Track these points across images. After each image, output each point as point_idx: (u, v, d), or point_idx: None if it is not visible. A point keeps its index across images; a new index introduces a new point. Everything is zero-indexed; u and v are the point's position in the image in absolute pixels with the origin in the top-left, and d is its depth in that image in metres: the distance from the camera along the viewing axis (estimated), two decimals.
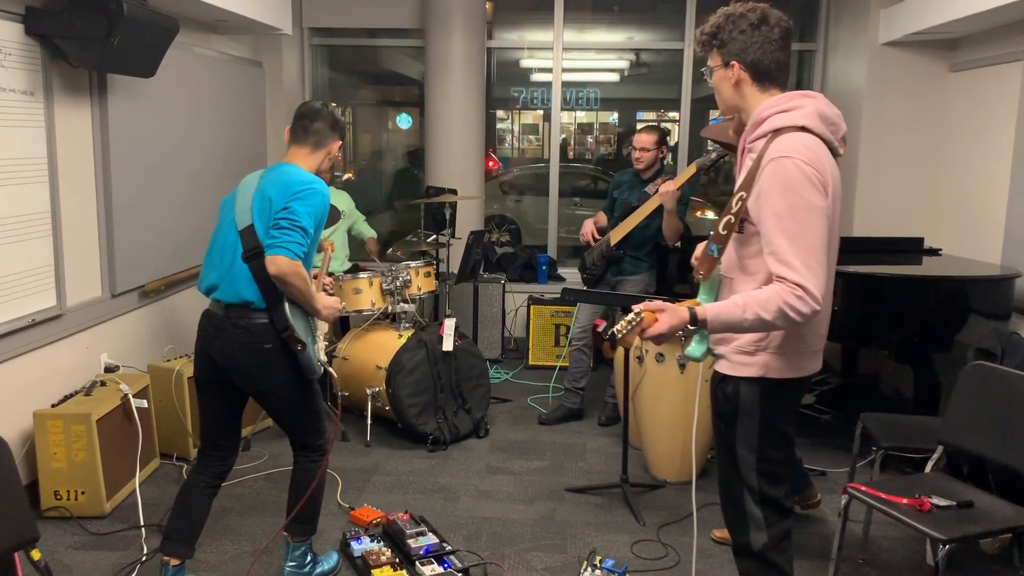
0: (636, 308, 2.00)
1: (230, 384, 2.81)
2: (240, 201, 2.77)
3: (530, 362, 5.98)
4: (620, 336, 1.97)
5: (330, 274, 4.73)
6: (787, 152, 1.97)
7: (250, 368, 2.75)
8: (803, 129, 2.03)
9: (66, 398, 3.64)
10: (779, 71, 2.13)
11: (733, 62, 2.12)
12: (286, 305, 2.69)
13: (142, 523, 3.45)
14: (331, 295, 2.99)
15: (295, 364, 2.75)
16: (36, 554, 2.22)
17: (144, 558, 3.18)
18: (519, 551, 3.33)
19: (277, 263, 2.57)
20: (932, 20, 4.75)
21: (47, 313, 3.58)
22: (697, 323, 1.99)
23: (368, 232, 5.50)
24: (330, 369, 2.98)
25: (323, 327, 2.98)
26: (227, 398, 2.86)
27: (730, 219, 2.06)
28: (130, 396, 3.73)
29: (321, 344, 2.95)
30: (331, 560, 3.14)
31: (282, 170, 2.78)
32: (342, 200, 5.42)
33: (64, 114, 3.69)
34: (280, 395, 2.81)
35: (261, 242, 2.66)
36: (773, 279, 1.95)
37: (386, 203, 7.33)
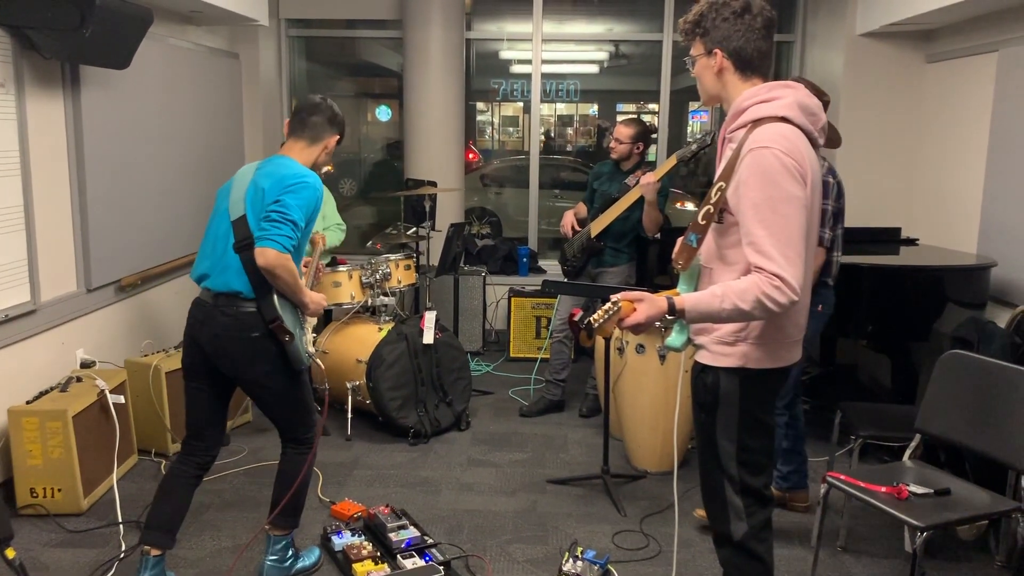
0: (614, 298, 2.00)
1: (217, 373, 2.80)
2: (235, 191, 2.78)
3: (511, 354, 5.98)
4: (597, 325, 1.97)
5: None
6: (766, 142, 1.97)
7: (237, 357, 2.75)
8: (783, 119, 2.03)
9: (41, 394, 3.59)
10: (761, 60, 2.13)
11: (716, 50, 2.12)
12: (275, 296, 2.70)
13: (120, 520, 3.41)
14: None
15: (282, 354, 2.75)
16: (11, 552, 2.20)
17: (122, 555, 3.15)
18: (501, 543, 3.33)
19: (266, 255, 2.57)
20: (908, 11, 4.78)
21: (21, 308, 3.53)
22: (675, 313, 1.99)
23: (328, 244, 5.35)
24: (318, 361, 2.97)
25: (312, 320, 2.96)
26: (214, 387, 2.85)
27: (709, 209, 2.05)
28: (107, 392, 3.68)
29: (309, 336, 2.95)
30: (312, 555, 3.13)
31: (277, 162, 2.78)
32: (326, 200, 5.37)
33: (36, 106, 3.63)
34: (267, 385, 2.81)
35: (253, 233, 2.66)
36: (751, 269, 1.95)
37: (364, 195, 7.29)
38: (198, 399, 2.87)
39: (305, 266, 3.12)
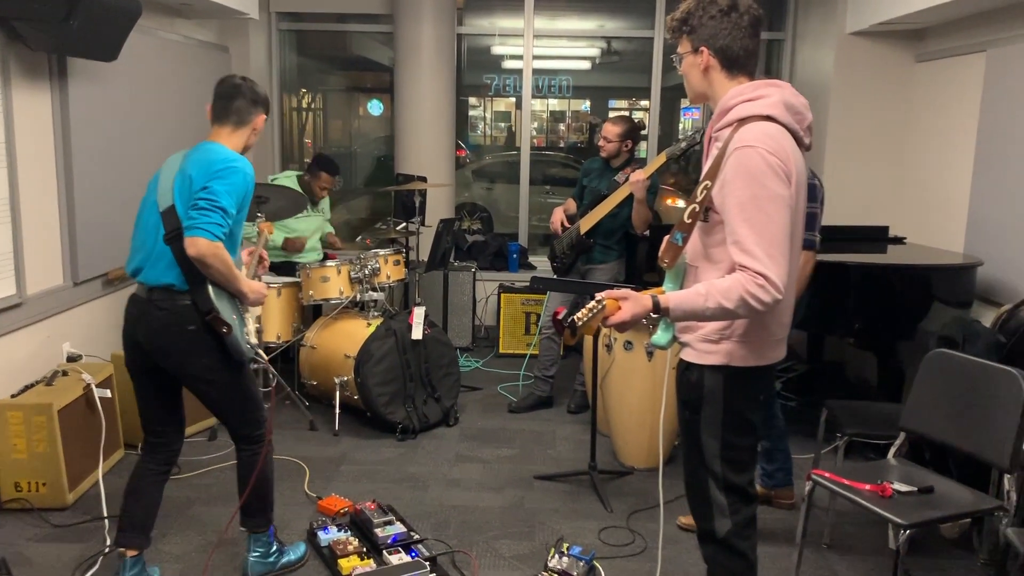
0: (599, 296, 2.00)
1: (160, 369, 2.74)
2: (163, 181, 2.70)
3: (500, 350, 5.98)
4: (581, 324, 1.97)
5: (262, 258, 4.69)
6: (752, 141, 1.97)
7: (175, 352, 2.68)
8: (768, 118, 2.03)
9: (27, 388, 3.58)
10: (748, 59, 2.13)
11: (703, 48, 2.12)
12: (210, 287, 2.63)
13: (105, 514, 3.40)
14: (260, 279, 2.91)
15: (222, 347, 2.69)
16: None
17: (107, 550, 3.14)
18: (487, 539, 3.34)
19: (196, 245, 2.51)
20: (899, 10, 4.79)
21: (6, 301, 3.51)
22: (660, 311, 1.99)
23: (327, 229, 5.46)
24: (260, 353, 2.90)
25: (254, 310, 2.88)
26: (160, 384, 2.79)
27: (695, 208, 2.06)
28: (93, 386, 3.67)
29: (251, 327, 2.88)
30: (298, 550, 3.12)
31: (205, 148, 2.70)
32: (325, 207, 5.36)
33: (23, 98, 3.61)
34: (209, 380, 2.75)
35: (182, 223, 2.58)
36: (736, 268, 1.95)
37: (360, 190, 7.28)
38: (147, 397, 2.82)
39: (249, 254, 3.04)
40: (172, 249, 2.62)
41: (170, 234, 2.62)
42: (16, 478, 3.43)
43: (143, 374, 2.79)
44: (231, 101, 2.76)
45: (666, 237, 2.15)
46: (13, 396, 3.49)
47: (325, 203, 5.38)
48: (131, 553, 2.79)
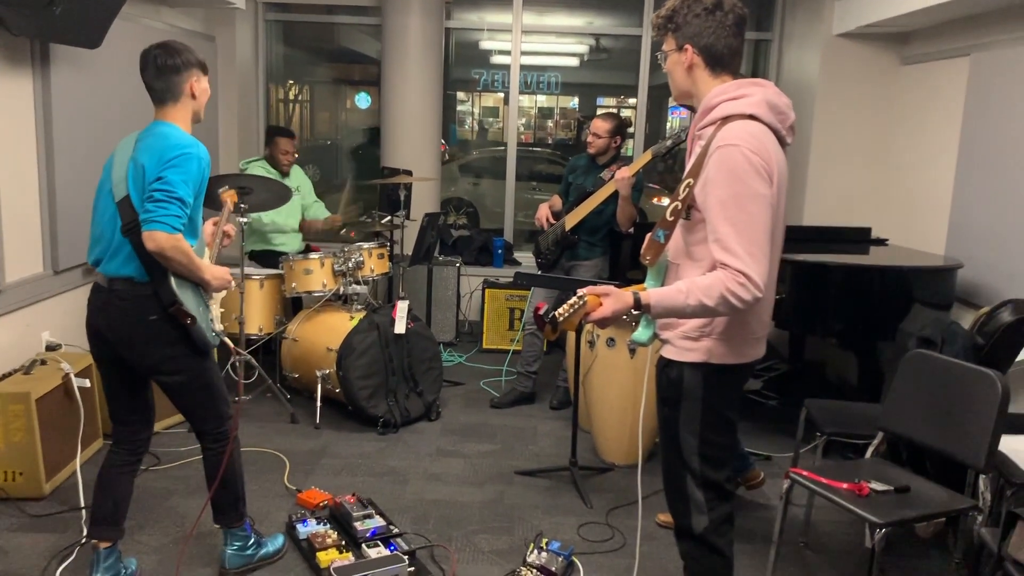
0: (580, 292, 2.01)
1: (123, 359, 2.69)
2: (116, 169, 2.61)
3: (484, 346, 5.98)
4: (561, 319, 1.97)
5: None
6: (734, 140, 1.98)
7: (137, 342, 2.63)
8: (752, 117, 2.04)
9: (4, 377, 3.54)
10: (732, 57, 2.14)
11: (687, 46, 2.13)
12: (172, 278, 2.57)
13: (83, 505, 3.37)
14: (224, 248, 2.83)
15: (186, 338, 2.64)
16: None
17: (84, 540, 3.11)
18: (467, 534, 3.34)
19: (155, 239, 2.44)
20: (884, 13, 4.81)
21: None
22: (641, 308, 2.00)
23: (323, 214, 5.46)
24: (227, 340, 2.85)
25: (219, 295, 2.80)
26: (125, 374, 2.75)
27: (677, 205, 2.07)
28: (72, 375, 3.64)
29: (216, 312, 2.82)
30: (276, 542, 3.10)
31: (156, 132, 2.59)
32: (299, 179, 5.35)
33: (4, 84, 3.57)
34: (172, 371, 2.69)
35: (139, 215, 2.50)
36: (717, 266, 1.96)
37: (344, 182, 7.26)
38: (112, 385, 2.78)
39: (214, 224, 2.91)
40: (131, 241, 2.55)
41: (127, 226, 2.55)
42: None
43: (108, 363, 2.74)
44: (156, 79, 2.61)
45: (648, 234, 2.15)
46: None
47: (300, 179, 5.35)
48: (104, 545, 2.77)
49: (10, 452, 3.39)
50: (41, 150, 3.85)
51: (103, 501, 2.78)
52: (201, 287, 2.69)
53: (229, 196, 3.07)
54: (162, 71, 2.61)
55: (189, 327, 2.61)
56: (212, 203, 3.23)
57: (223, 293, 2.85)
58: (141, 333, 2.62)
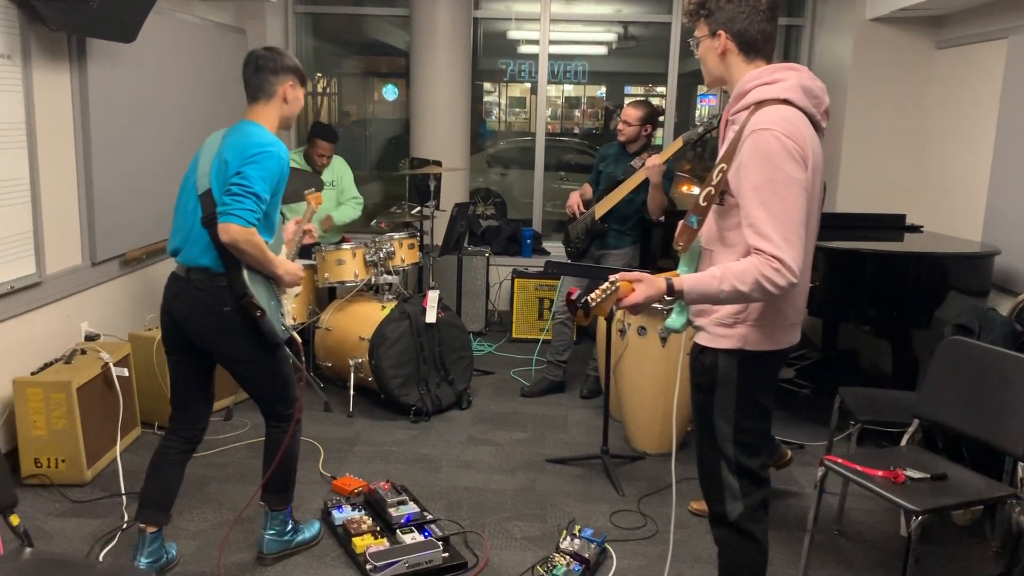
0: (613, 277, 2.01)
1: (195, 347, 2.78)
2: (201, 164, 2.71)
3: (514, 335, 6.00)
4: (594, 304, 1.97)
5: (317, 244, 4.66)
6: (768, 125, 1.96)
7: (210, 331, 2.72)
8: (786, 102, 2.03)
9: (46, 366, 3.62)
10: (765, 42, 2.12)
11: (720, 32, 2.11)
12: (245, 271, 2.64)
13: (123, 491, 3.45)
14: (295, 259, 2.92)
15: (256, 329, 2.72)
16: (15, 519, 2.21)
17: (125, 525, 3.19)
18: (499, 520, 3.36)
19: (229, 231, 2.52)
20: None
21: (26, 280, 3.55)
22: (674, 294, 2.00)
23: (345, 218, 5.33)
24: (295, 335, 2.93)
25: (293, 290, 2.89)
26: (193, 361, 2.83)
27: (710, 191, 2.06)
28: (111, 364, 3.71)
29: (289, 308, 2.90)
30: (313, 528, 3.15)
31: (242, 130, 2.69)
32: (337, 172, 5.34)
33: (43, 79, 3.63)
34: (242, 359, 2.78)
35: (217, 208, 2.59)
36: (751, 251, 1.95)
37: (374, 174, 7.30)
38: (179, 372, 2.86)
39: (296, 223, 3.03)
40: (208, 232, 2.65)
41: (207, 218, 2.64)
42: (36, 454, 3.47)
43: (178, 350, 2.83)
44: (253, 76, 2.74)
45: (681, 220, 2.15)
46: (33, 374, 3.53)
47: (339, 172, 5.35)
48: (151, 529, 2.83)
49: (53, 439, 3.47)
50: (79, 144, 3.92)
51: (154, 486, 2.85)
52: (273, 282, 2.77)
53: (314, 199, 3.20)
54: (260, 69, 2.72)
55: (259, 319, 2.68)
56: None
57: (296, 289, 2.92)
58: (213, 322, 2.70)
